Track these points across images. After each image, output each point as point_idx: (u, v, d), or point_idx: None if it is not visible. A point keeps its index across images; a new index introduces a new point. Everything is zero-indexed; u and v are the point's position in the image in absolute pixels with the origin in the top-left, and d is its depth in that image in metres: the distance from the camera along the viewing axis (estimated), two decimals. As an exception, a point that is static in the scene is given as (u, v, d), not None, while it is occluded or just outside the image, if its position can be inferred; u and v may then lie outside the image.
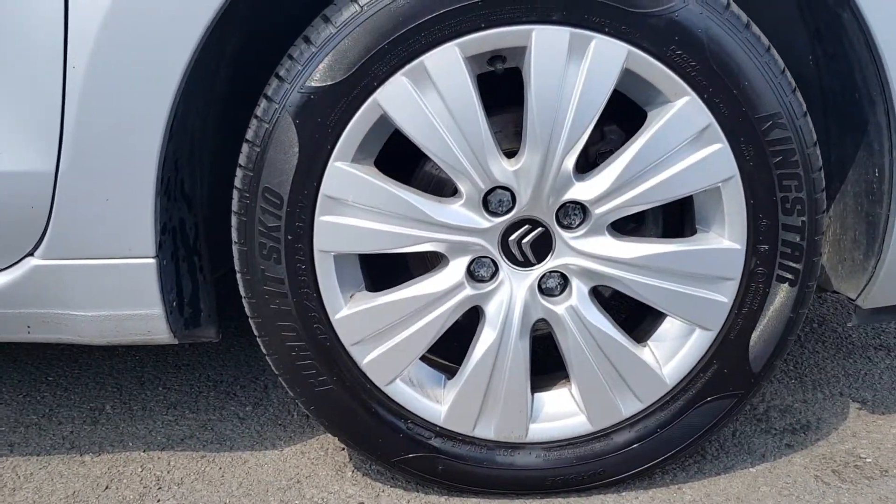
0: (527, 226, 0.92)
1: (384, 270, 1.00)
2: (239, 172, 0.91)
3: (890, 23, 0.87)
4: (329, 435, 1.12)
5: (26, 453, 1.14)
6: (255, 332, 0.96)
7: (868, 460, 1.10)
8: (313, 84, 0.86)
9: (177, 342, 0.98)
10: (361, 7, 0.85)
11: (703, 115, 0.88)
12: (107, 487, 1.06)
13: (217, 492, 1.04)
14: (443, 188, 0.98)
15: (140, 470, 1.09)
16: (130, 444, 1.15)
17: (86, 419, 1.22)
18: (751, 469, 1.08)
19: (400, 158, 0.97)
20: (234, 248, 0.93)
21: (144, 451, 1.13)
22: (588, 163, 0.95)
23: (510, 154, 0.91)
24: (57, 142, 0.86)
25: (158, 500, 1.03)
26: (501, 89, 0.93)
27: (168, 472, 1.08)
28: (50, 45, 0.83)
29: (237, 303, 0.97)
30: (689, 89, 0.87)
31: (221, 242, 1.01)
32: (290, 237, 0.90)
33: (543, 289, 0.94)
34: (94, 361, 1.39)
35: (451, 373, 1.00)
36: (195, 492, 1.04)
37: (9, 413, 1.24)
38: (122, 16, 0.83)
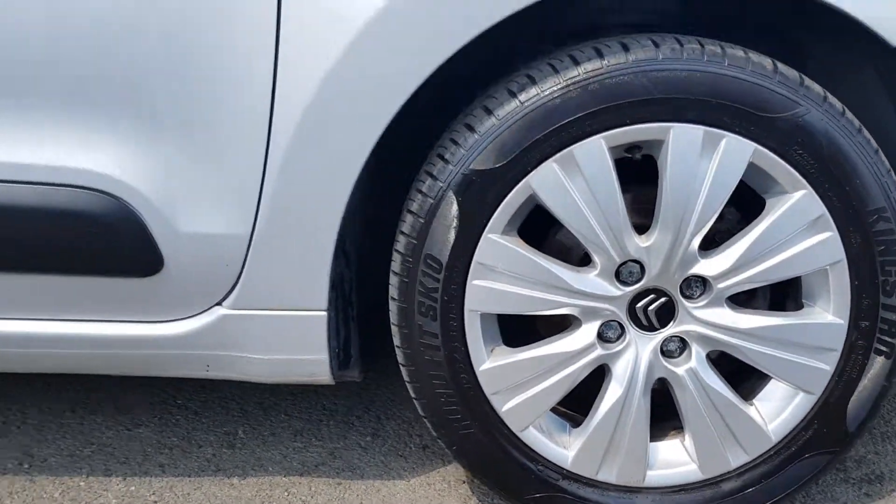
0: (653, 295, 1.04)
1: (516, 327, 1.12)
2: (402, 239, 1.04)
3: None
4: (449, 467, 1.25)
5: (177, 474, 1.27)
6: (407, 379, 1.09)
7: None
8: (475, 167, 0.99)
9: (333, 383, 1.12)
10: (522, 103, 0.98)
11: (817, 207, 1.00)
12: (259, 509, 1.19)
13: (358, 518, 1.17)
14: (570, 255, 1.10)
15: (286, 494, 1.22)
16: (270, 468, 1.28)
17: (223, 443, 1.35)
18: (836, 517, 1.19)
19: (531, 226, 1.09)
20: (394, 305, 1.06)
21: (285, 476, 1.26)
22: (707, 239, 1.07)
23: (637, 227, 1.03)
24: (255, 209, 1.00)
25: (306, 523, 1.16)
26: (629, 168, 1.05)
27: (311, 497, 1.21)
28: (258, 125, 0.97)
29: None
30: (806, 184, 0.99)
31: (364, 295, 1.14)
32: (445, 298, 1.03)
33: (665, 351, 1.06)
34: (217, 386, 1.52)
35: (572, 420, 1.12)
36: (337, 516, 1.17)
37: (150, 434, 1.38)
38: (323, 103, 0.96)
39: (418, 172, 1.04)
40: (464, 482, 1.24)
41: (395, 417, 1.41)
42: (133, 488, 1.24)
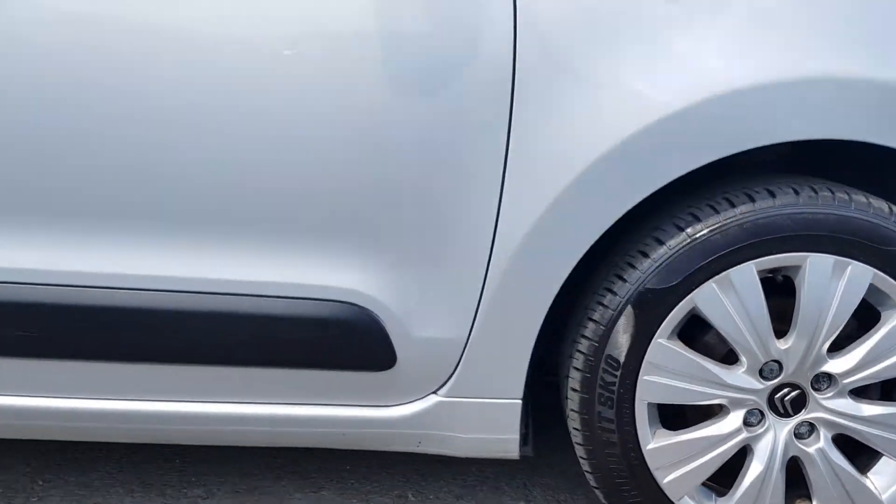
0: (788, 388, 1.28)
1: (670, 412, 1.35)
2: (585, 341, 1.28)
3: None
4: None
5: (367, 532, 1.49)
6: (583, 456, 1.33)
7: None
8: (649, 286, 1.24)
9: (518, 458, 1.35)
10: (689, 236, 1.23)
11: (922, 321, 1.25)
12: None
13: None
14: (713, 352, 1.34)
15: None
16: (445, 529, 1.51)
17: (397, 504, 1.58)
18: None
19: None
20: (576, 395, 1.30)
21: (459, 535, 1.49)
22: (832, 343, 1.31)
23: (776, 331, 1.27)
24: (472, 319, 1.24)
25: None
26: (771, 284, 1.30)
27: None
28: (480, 251, 1.22)
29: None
30: (914, 301, 1.24)
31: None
32: (621, 390, 1.27)
33: (797, 434, 1.30)
34: (382, 454, 1.72)
35: (716, 491, 1.35)
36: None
37: (332, 496, 1.60)
38: (539, 233, 1.20)
39: (597, 289, 1.29)
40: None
41: (539, 484, 1.64)
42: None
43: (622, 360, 1.26)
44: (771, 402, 1.29)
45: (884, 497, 1.31)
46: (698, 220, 1.24)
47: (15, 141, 1.17)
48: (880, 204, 1.24)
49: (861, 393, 1.35)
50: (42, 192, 1.19)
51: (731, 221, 1.22)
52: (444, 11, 1.15)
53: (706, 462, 1.30)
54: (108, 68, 1.15)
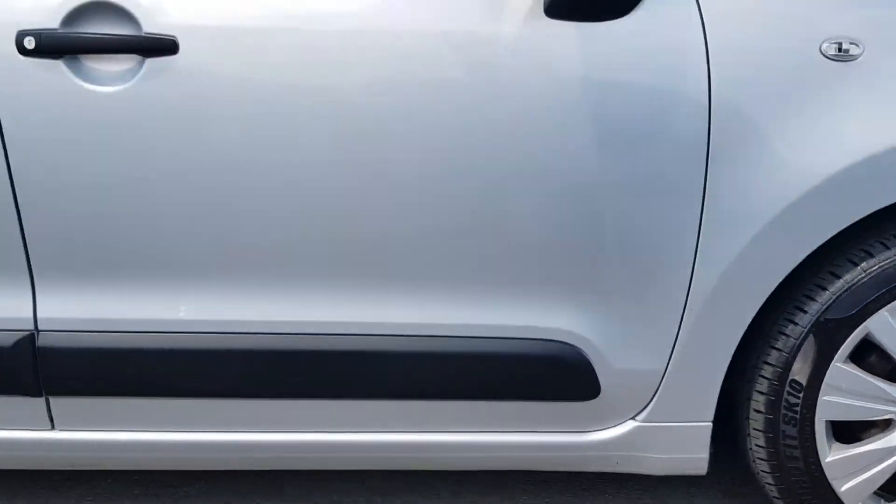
0: (951, 403, 1.43)
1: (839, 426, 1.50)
2: (768, 368, 1.42)
3: None
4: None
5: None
6: (766, 471, 1.47)
7: None
8: (830, 317, 1.38)
9: (703, 474, 1.49)
10: (864, 270, 1.37)
11: None
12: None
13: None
14: (877, 370, 1.48)
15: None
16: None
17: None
18: None
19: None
20: (760, 416, 1.44)
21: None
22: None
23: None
24: (670, 352, 1.38)
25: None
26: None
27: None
28: (677, 291, 1.35)
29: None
30: None
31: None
32: (804, 410, 1.41)
33: (960, 444, 1.45)
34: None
35: (884, 498, 1.50)
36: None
37: None
38: (731, 278, 1.34)
39: (778, 321, 1.43)
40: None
41: (701, 495, 1.77)
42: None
43: (804, 383, 1.40)
44: (935, 416, 1.43)
45: None
46: (871, 255, 1.38)
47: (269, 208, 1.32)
48: None
49: None
50: (310, 256, 1.35)
51: (901, 257, 1.37)
52: (655, 87, 1.30)
53: (879, 472, 1.44)
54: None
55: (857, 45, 1.30)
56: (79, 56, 1.26)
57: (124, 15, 1.25)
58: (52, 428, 1.44)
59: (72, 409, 1.43)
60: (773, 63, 1.31)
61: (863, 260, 1.38)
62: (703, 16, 1.28)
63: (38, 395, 1.40)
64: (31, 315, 1.36)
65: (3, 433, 1.45)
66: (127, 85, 1.26)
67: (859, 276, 1.37)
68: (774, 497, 1.50)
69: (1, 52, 1.25)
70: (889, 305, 1.37)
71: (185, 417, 1.44)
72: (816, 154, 1.32)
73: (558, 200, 1.33)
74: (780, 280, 1.36)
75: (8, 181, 1.30)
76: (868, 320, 1.38)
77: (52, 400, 1.41)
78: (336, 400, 1.40)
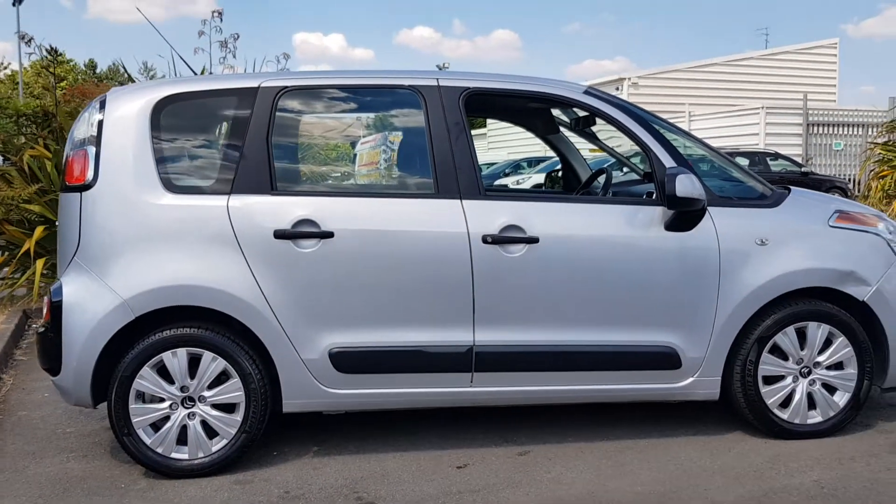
0: None
1: None
2: (742, 355, 3.75)
3: None
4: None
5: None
6: (742, 398, 3.77)
7: None
8: (761, 335, 3.73)
9: (716, 399, 3.80)
10: (773, 321, 3.73)
11: None
12: None
13: None
14: (779, 355, 3.83)
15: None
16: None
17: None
18: None
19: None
20: (741, 373, 3.75)
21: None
22: None
23: None
24: (706, 350, 3.70)
25: None
26: None
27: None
28: (710, 320, 3.69)
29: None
30: None
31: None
32: (754, 371, 3.74)
33: None
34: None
35: (782, 406, 3.82)
36: None
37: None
38: (748, 298, 3.71)
39: (746, 336, 3.77)
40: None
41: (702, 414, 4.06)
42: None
43: (755, 360, 3.75)
44: None
45: None
46: (776, 313, 3.75)
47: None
48: None
49: None
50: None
51: None
52: (702, 250, 3.68)
53: (781, 394, 3.79)
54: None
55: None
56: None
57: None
58: (472, 384, 3.61)
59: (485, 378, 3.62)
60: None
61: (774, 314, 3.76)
62: (716, 226, 3.68)
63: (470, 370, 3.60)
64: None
65: (446, 389, 3.61)
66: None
67: (770, 324, 3.75)
68: (744, 410, 3.80)
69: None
70: (785, 328, 3.75)
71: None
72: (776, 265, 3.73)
73: (664, 296, 3.67)
74: (746, 319, 3.71)
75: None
76: (774, 336, 3.74)
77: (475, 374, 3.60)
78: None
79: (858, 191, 16.33)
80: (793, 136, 19.81)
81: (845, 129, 19.99)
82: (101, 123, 3.53)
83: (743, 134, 20.31)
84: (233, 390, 3.50)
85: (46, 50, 7.83)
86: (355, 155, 6.63)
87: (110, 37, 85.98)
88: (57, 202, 7.08)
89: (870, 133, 18.05)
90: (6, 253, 7.45)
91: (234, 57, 8.41)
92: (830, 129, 19.99)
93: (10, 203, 7.21)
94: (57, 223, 3.75)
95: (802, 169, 17.26)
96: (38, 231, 7.05)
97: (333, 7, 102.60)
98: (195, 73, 7.80)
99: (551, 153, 5.43)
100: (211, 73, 8.10)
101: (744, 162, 16.64)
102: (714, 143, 18.26)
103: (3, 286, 7.46)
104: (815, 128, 19.89)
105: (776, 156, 17.62)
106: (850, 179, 18.24)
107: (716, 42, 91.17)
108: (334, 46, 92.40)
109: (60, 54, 8.45)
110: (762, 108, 20.18)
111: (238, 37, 8.33)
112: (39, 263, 6.96)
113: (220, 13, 8.19)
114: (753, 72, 25.25)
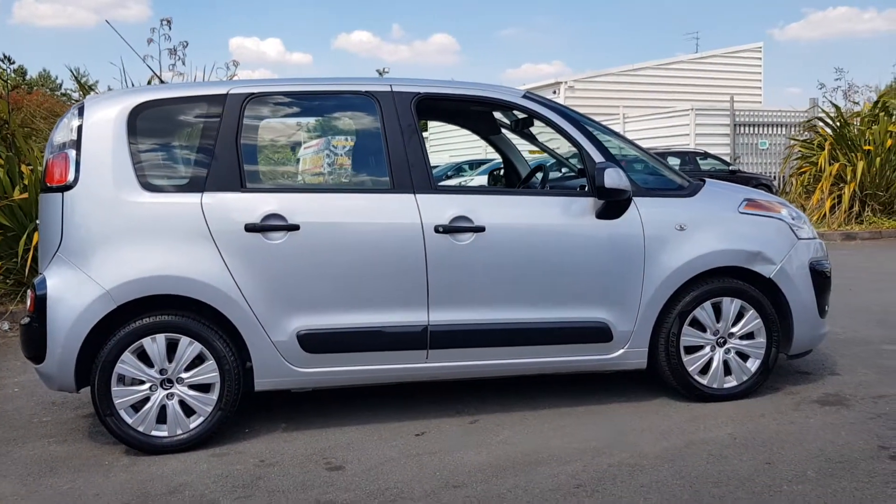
0: None
1: None
2: (666, 328, 4.22)
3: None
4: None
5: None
6: (666, 365, 4.24)
7: (793, 395, 4.48)
8: (683, 310, 4.21)
9: (644, 368, 4.26)
10: (684, 301, 4.22)
11: None
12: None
13: None
14: (699, 327, 4.32)
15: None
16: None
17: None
18: None
19: None
20: (664, 344, 4.23)
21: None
22: None
23: None
24: (634, 321, 4.16)
25: None
26: None
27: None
28: (637, 297, 4.16)
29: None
30: None
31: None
32: (675, 342, 4.22)
33: None
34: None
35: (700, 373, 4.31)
36: None
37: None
38: (672, 275, 4.18)
39: (669, 311, 4.24)
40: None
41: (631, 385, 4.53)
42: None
43: (677, 333, 4.23)
44: None
45: None
46: (691, 291, 4.25)
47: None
48: None
49: None
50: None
51: None
52: (627, 237, 4.15)
53: (700, 361, 4.29)
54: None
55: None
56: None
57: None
58: (427, 360, 4.00)
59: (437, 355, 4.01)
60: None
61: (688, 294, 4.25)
62: (641, 214, 4.16)
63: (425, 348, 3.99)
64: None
65: (404, 365, 3.99)
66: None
67: (689, 300, 4.23)
68: (669, 377, 4.27)
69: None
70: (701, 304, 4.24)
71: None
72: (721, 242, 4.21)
73: (596, 277, 4.13)
74: (668, 296, 4.19)
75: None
76: (693, 312, 4.23)
77: (430, 351, 3.99)
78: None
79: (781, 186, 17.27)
80: (721, 136, 20.68)
81: (770, 129, 20.97)
82: (80, 128, 3.82)
83: (674, 135, 21.13)
84: (208, 371, 3.82)
85: (-1, 58, 7.91)
86: (298, 159, 6.97)
87: (37, 43, 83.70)
88: (10, 208, 7.30)
89: (791, 132, 19.04)
90: (-41, 259, 7.53)
91: (184, 64, 8.60)
92: (756, 129, 20.92)
93: (-37, 210, 7.32)
94: (38, 222, 4.00)
95: (730, 167, 18.07)
96: (-7, 236, 7.18)
97: (270, 11, 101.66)
98: (161, 80, 8.00)
99: (492, 156, 5.91)
100: (161, 80, 8.30)
101: (675, 161, 17.42)
102: (647, 144, 19.19)
103: (-43, 292, 7.55)
104: (742, 128, 20.80)
105: (706, 155, 18.43)
106: (775, 176, 19.17)
107: (649, 45, 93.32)
108: (271, 51, 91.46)
109: (13, 62, 8.44)
110: (692, 109, 21.02)
111: (187, 44, 8.53)
112: (-5, 267, 7.10)
113: (168, 21, 8.39)
114: (683, 75, 26.28)
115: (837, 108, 14.94)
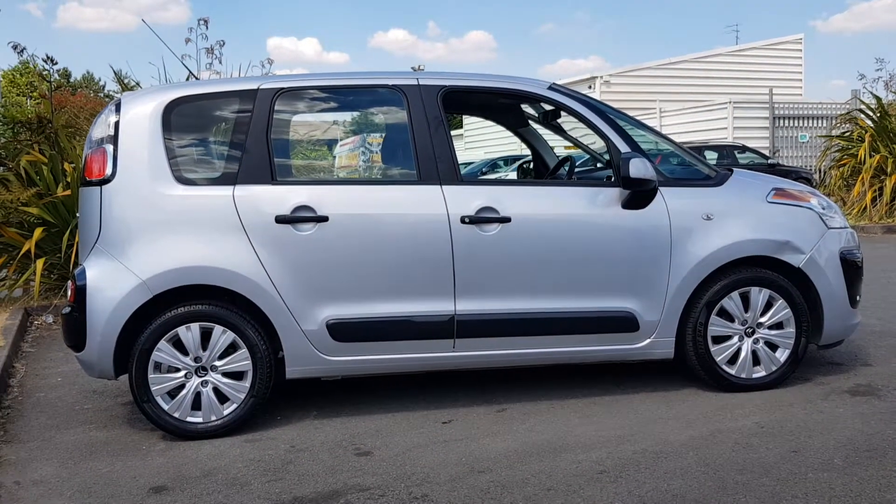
0: None
1: None
2: (693, 318, 4.22)
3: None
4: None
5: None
6: (694, 355, 4.25)
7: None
8: (710, 300, 4.21)
9: (671, 357, 4.26)
10: (721, 286, 4.22)
11: None
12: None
13: None
14: (727, 318, 4.31)
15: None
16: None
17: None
18: None
19: None
20: (692, 332, 4.23)
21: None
22: None
23: None
24: (661, 312, 4.17)
25: None
26: None
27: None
28: (664, 288, 4.16)
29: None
30: None
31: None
32: (704, 331, 4.22)
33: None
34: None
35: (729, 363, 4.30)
36: None
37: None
38: (696, 267, 4.19)
39: (697, 301, 4.24)
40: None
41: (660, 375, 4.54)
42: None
43: (704, 322, 4.23)
44: None
45: None
46: (721, 279, 4.24)
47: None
48: None
49: None
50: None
51: None
52: (655, 227, 4.15)
53: (729, 351, 4.28)
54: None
55: (711, 213, 4.24)
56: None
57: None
58: (453, 349, 4.06)
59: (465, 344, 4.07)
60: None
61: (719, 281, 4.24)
62: (667, 204, 4.16)
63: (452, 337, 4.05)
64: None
65: (430, 354, 4.06)
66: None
67: (717, 290, 4.23)
68: (696, 367, 4.28)
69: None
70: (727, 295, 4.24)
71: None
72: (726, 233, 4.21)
73: (623, 267, 4.15)
74: (695, 286, 4.19)
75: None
76: (719, 302, 4.23)
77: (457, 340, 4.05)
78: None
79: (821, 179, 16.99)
80: (760, 130, 20.44)
81: (810, 121, 20.66)
82: (117, 124, 3.96)
83: (712, 129, 20.93)
84: (241, 359, 3.93)
85: (42, 59, 8.16)
86: (335, 157, 7.07)
87: (80, 45, 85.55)
88: (53, 205, 7.52)
89: (833, 124, 18.71)
90: (5, 255, 7.78)
91: (220, 63, 8.78)
92: (796, 121, 20.65)
93: (9, 207, 7.55)
94: (77, 215, 4.14)
95: (769, 161, 17.85)
96: (38, 233, 7.41)
97: (307, 11, 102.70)
98: (197, 78, 8.18)
99: (526, 151, 5.90)
100: (197, 78, 8.48)
101: (713, 155, 17.24)
102: (684, 138, 19.01)
103: (3, 286, 7.81)
104: (781, 121, 20.53)
105: (744, 149, 18.21)
106: (815, 170, 18.87)
107: (689, 39, 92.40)
108: (309, 51, 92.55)
109: (55, 62, 8.72)
110: (729, 102, 20.79)
111: (224, 43, 8.71)
112: (39, 264, 7.32)
113: (206, 21, 8.56)
114: (722, 68, 25.97)
115: (878, 98, 14.64)
